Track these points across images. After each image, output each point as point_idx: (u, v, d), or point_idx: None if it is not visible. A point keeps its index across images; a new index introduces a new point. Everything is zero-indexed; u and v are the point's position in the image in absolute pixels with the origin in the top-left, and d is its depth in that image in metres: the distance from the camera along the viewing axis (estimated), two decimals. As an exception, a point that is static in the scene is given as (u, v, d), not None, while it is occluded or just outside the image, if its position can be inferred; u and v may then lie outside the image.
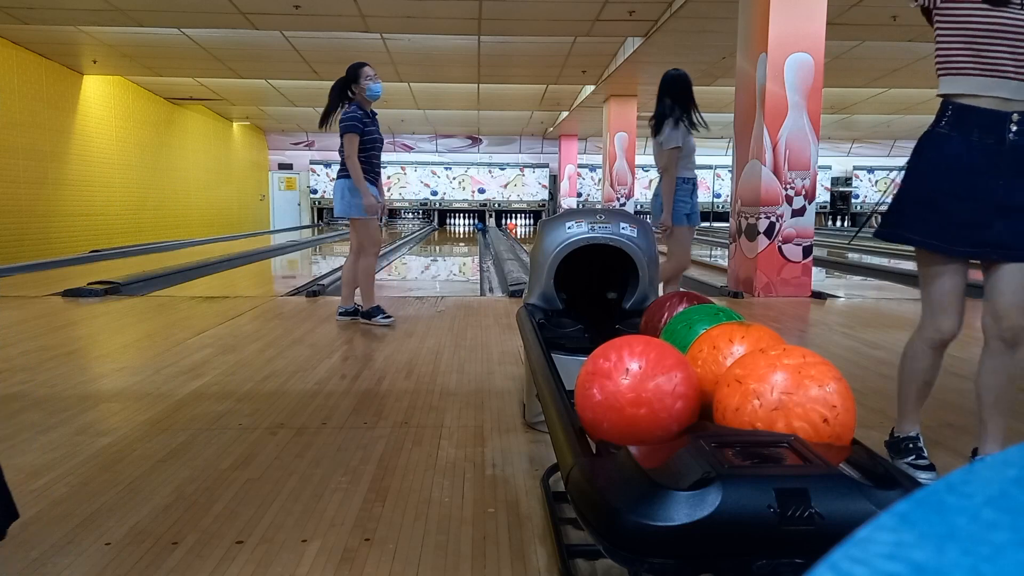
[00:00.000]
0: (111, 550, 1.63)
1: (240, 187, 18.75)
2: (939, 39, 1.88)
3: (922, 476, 2.00)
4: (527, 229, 20.17)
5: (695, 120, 4.34)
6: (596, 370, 1.26)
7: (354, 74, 4.40)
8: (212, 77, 12.06)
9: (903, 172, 2.00)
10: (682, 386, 1.23)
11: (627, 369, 1.23)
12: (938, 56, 1.89)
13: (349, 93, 4.41)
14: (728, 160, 18.22)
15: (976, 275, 1.99)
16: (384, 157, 5.10)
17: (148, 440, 2.37)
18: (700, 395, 1.28)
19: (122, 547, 1.64)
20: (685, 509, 0.95)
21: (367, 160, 4.39)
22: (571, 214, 2.49)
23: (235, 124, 18.39)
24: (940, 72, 1.89)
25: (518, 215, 21.32)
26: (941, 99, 1.91)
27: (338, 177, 4.50)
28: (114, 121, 12.22)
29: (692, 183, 4.40)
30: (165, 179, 14.20)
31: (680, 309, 1.77)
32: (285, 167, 21.15)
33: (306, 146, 20.96)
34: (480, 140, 20.67)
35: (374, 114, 4.50)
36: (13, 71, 9.42)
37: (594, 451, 1.24)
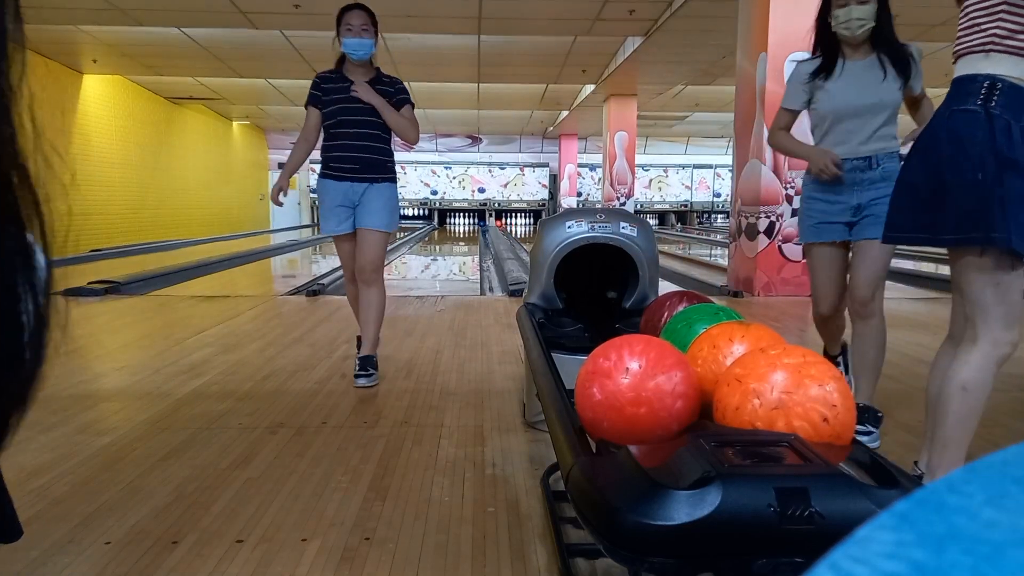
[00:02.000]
0: (111, 549, 1.63)
1: (240, 186, 18.75)
2: (1006, 14, 1.63)
3: None
4: (527, 228, 20.18)
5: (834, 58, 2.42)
6: (596, 369, 1.26)
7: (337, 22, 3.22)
8: (212, 76, 12.05)
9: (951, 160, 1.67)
10: (682, 385, 1.23)
11: (627, 368, 1.22)
12: (994, 32, 1.64)
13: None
14: (728, 159, 18.23)
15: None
16: None
17: (148, 439, 2.37)
18: (700, 394, 1.28)
19: (122, 546, 1.64)
20: (685, 508, 0.95)
21: (333, 141, 3.08)
22: (571, 213, 2.49)
23: (235, 123, 18.39)
24: (992, 49, 1.64)
25: (518, 214, 21.33)
26: (973, 76, 1.66)
27: None
28: (114, 120, 12.22)
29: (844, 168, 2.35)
30: (165, 178, 14.19)
31: (680, 308, 1.77)
32: (285, 166, 21.16)
33: (306, 145, 20.94)
34: (480, 139, 20.67)
35: (380, 74, 3.22)
36: (13, 70, 9.42)
37: (594, 450, 1.24)
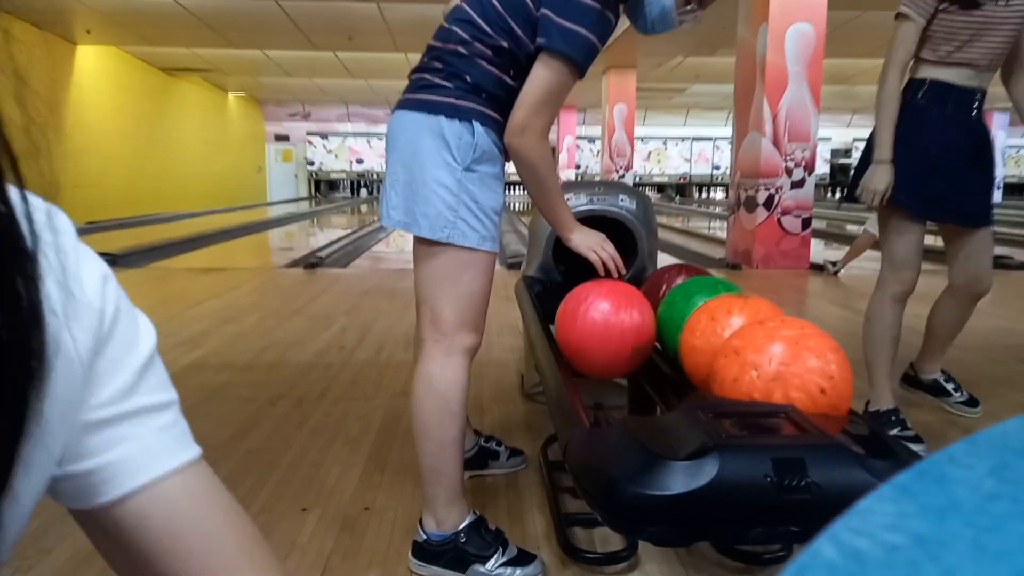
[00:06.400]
0: (113, 520, 1.64)
1: (236, 159, 18.62)
2: (932, 36, 2.05)
3: (914, 448, 2.04)
4: (525, 202, 20.09)
5: None
6: (572, 301, 1.52)
7: None
8: (206, 47, 11.90)
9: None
10: (640, 319, 1.48)
11: (596, 306, 1.47)
12: (923, 49, 2.07)
13: None
14: (728, 132, 18.00)
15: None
16: (379, 129, 2.84)
17: (148, 411, 2.38)
18: (655, 326, 1.54)
19: (124, 517, 1.66)
20: (682, 479, 0.96)
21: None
22: (570, 186, 2.48)
23: (230, 95, 18.21)
24: (924, 62, 2.08)
25: (516, 187, 21.22)
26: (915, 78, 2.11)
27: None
28: (109, 92, 12.09)
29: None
30: (161, 150, 14.09)
31: (679, 281, 1.76)
32: (281, 139, 21.00)
33: (302, 117, 20.78)
34: (478, 111, 20.48)
35: None
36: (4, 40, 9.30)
37: (592, 422, 1.25)
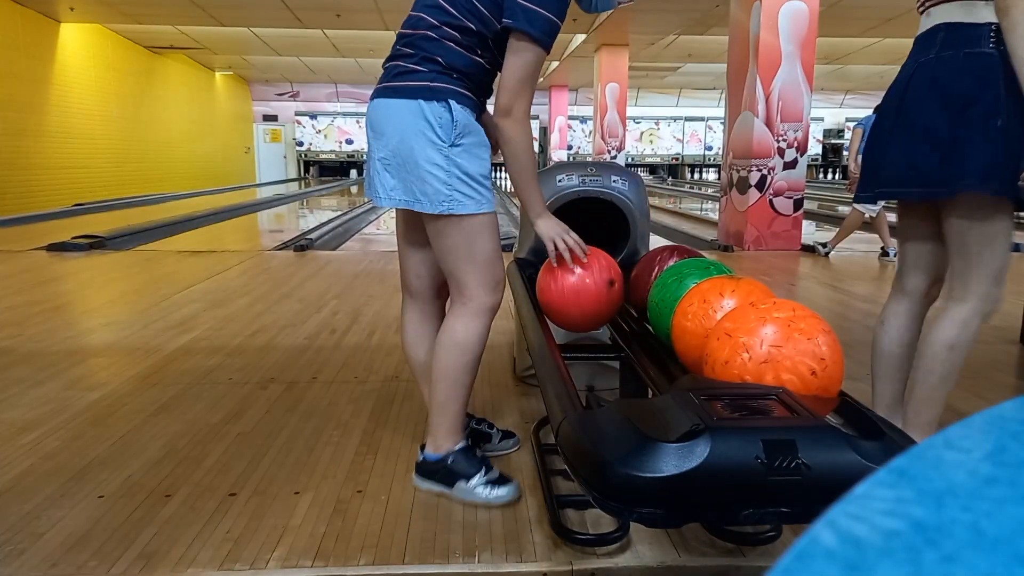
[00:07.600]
0: (104, 503, 1.64)
1: (224, 139, 18.44)
2: None
3: None
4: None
5: None
6: (549, 270, 1.74)
7: None
8: (193, 25, 11.74)
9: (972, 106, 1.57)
10: (615, 282, 1.73)
11: (573, 271, 1.69)
12: None
13: None
14: (720, 112, 17.93)
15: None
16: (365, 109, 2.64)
17: (138, 394, 2.37)
18: (622, 289, 1.78)
19: (115, 500, 1.65)
20: (674, 460, 0.96)
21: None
22: (562, 167, 2.46)
23: (218, 74, 17.99)
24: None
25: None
26: (978, 23, 1.59)
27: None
28: (94, 71, 11.92)
29: None
30: (148, 131, 13.93)
31: (671, 263, 1.76)
32: (270, 119, 20.79)
33: (291, 97, 20.57)
34: (469, 91, 20.32)
35: None
36: (-14, 18, 9.13)
37: (584, 405, 1.25)
